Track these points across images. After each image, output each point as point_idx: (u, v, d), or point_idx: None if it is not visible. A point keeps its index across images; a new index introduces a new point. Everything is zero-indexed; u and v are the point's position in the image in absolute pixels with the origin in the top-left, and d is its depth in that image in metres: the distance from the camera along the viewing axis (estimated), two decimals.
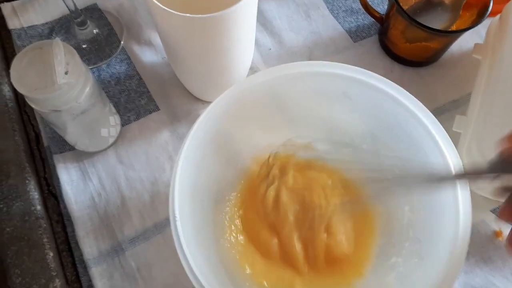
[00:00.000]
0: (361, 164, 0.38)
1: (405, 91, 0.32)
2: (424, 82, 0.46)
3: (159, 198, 0.40)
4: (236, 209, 0.37)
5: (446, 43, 0.44)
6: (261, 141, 0.38)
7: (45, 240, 0.37)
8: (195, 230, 0.31)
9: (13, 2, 0.48)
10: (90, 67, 0.45)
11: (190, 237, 0.29)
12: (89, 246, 0.38)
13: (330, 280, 0.35)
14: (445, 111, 0.45)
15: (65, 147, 0.41)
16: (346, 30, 0.49)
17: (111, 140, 0.41)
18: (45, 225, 0.38)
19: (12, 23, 0.47)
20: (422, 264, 0.31)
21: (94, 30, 0.47)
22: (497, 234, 0.39)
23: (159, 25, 0.35)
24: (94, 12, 0.48)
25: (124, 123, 0.43)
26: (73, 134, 0.37)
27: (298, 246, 0.35)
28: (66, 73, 0.31)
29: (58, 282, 0.36)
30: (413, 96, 0.32)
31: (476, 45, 0.42)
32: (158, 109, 0.44)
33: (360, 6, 0.47)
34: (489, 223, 0.40)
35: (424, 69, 0.47)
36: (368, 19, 0.49)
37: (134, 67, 0.46)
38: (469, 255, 0.28)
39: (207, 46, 0.35)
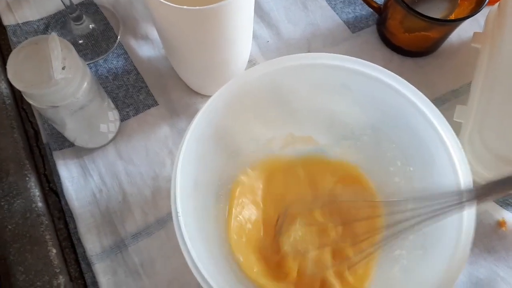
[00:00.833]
0: (363, 157, 0.38)
1: (406, 81, 0.32)
2: (424, 72, 0.46)
3: (160, 193, 0.40)
4: (237, 203, 0.37)
5: (445, 32, 0.44)
6: (261, 134, 0.38)
7: (47, 237, 0.37)
8: (198, 225, 0.31)
9: None
10: (87, 63, 0.45)
11: (192, 232, 0.29)
12: (91, 242, 0.38)
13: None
14: (445, 101, 0.45)
15: (64, 143, 0.41)
16: (344, 21, 0.48)
17: (110, 136, 0.41)
18: (46, 222, 0.38)
19: (7, 19, 0.47)
20: (427, 256, 0.31)
21: (90, 25, 0.46)
22: (500, 224, 0.39)
23: (156, 19, 0.34)
24: (89, 7, 0.48)
25: (123, 118, 0.43)
26: (72, 130, 0.37)
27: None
28: (63, 68, 0.30)
29: (62, 279, 0.36)
30: (414, 87, 0.32)
31: (475, 33, 0.42)
32: (157, 104, 0.44)
33: None
34: (493, 213, 0.40)
35: (423, 59, 0.46)
36: (366, 10, 0.49)
37: (132, 61, 0.45)
38: (473, 246, 0.28)
39: (204, 39, 0.34)
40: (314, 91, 0.36)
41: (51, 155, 0.41)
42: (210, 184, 0.35)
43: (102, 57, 0.45)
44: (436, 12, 0.43)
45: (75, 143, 0.40)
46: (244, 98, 0.34)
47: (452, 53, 0.47)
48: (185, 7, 0.29)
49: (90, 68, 0.44)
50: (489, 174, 0.36)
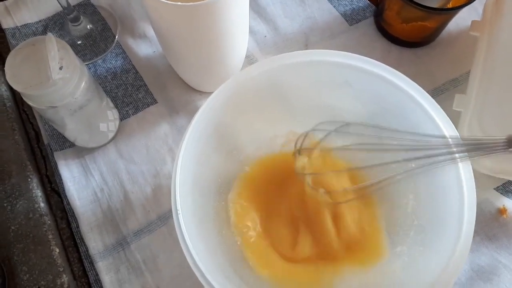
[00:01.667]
0: (365, 154, 0.38)
1: (405, 76, 0.32)
2: (422, 62, 0.46)
3: (161, 190, 0.40)
4: (238, 200, 0.37)
5: (443, 21, 0.43)
6: (262, 132, 0.38)
7: (50, 236, 0.37)
8: (198, 222, 0.31)
9: (5, 1, 0.48)
10: (86, 63, 0.45)
11: (192, 229, 0.29)
12: (94, 241, 0.38)
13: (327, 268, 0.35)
14: (444, 90, 0.44)
15: (65, 144, 0.41)
16: (341, 14, 0.48)
17: (110, 135, 0.41)
18: (49, 222, 0.38)
19: (6, 23, 0.47)
20: (428, 252, 0.31)
21: (88, 26, 0.47)
22: (501, 211, 0.39)
23: (152, 16, 0.35)
24: (87, 8, 0.48)
25: (123, 117, 0.43)
26: (72, 130, 0.37)
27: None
28: (60, 68, 0.31)
29: (65, 278, 0.36)
30: (413, 81, 0.32)
31: (473, 22, 0.42)
32: (156, 102, 0.44)
33: None
34: (493, 201, 0.40)
35: (422, 49, 0.46)
36: (363, 1, 0.49)
37: (130, 61, 0.46)
38: (474, 234, 0.28)
39: (200, 35, 0.34)
40: (314, 88, 0.36)
41: (52, 155, 0.41)
42: (210, 182, 0.35)
43: (100, 57, 0.46)
44: (433, 1, 0.43)
45: (76, 143, 0.40)
46: (244, 96, 0.34)
47: (451, 43, 0.46)
48: (179, 3, 0.30)
49: (89, 68, 0.45)
50: (489, 162, 0.36)
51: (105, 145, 0.42)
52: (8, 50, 0.47)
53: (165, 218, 0.39)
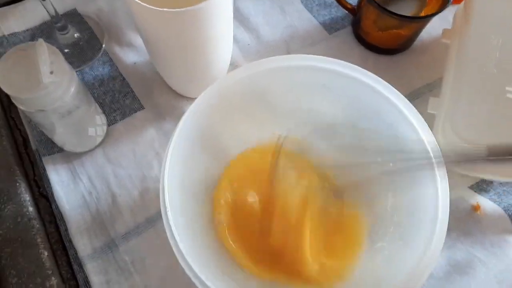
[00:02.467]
0: (345, 156, 0.39)
1: (382, 79, 0.34)
2: (399, 68, 0.48)
3: (149, 194, 0.41)
4: (224, 201, 0.38)
5: (416, 29, 0.46)
6: (246, 135, 0.39)
7: (38, 240, 0.38)
8: (186, 223, 0.31)
9: None
10: None
11: (181, 229, 0.30)
12: (83, 244, 0.38)
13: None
14: (420, 94, 0.47)
15: (53, 149, 0.42)
16: (320, 23, 0.51)
17: (98, 140, 0.42)
18: (38, 225, 0.39)
19: None
20: (406, 246, 0.32)
21: (75, 34, 0.48)
22: (475, 208, 0.41)
23: (138, 22, 0.36)
24: (74, 17, 0.49)
25: (110, 123, 0.44)
26: (61, 134, 0.38)
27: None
28: (51, 72, 0.32)
29: (54, 281, 0.37)
30: (389, 84, 0.34)
31: (444, 30, 0.45)
32: (143, 108, 0.45)
33: None
34: (467, 199, 0.42)
35: (398, 56, 0.49)
36: (341, 11, 0.51)
37: (117, 68, 0.47)
38: (450, 231, 0.30)
39: (186, 41, 0.36)
40: (296, 92, 0.37)
41: (41, 160, 0.42)
42: (197, 183, 0.36)
43: (87, 65, 0.47)
44: (407, 10, 0.45)
45: (64, 148, 0.41)
46: (228, 100, 0.35)
47: (424, 49, 0.49)
48: (165, 9, 0.31)
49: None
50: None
51: (93, 149, 0.42)
52: None
53: (153, 220, 0.40)
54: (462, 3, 0.44)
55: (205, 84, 0.34)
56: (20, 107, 0.33)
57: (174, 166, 0.31)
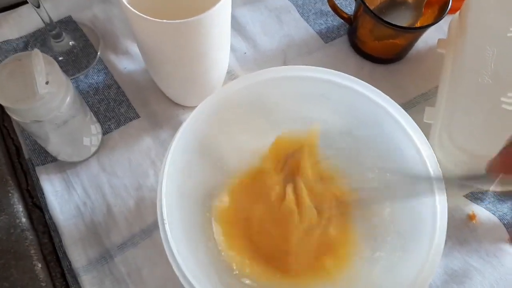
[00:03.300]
0: (343, 165, 0.40)
1: (378, 90, 0.34)
2: (394, 78, 0.48)
3: (144, 203, 0.41)
4: (223, 211, 0.38)
5: (411, 39, 0.46)
6: (245, 144, 0.39)
7: (32, 251, 0.37)
8: (184, 233, 0.31)
9: None
10: None
11: (178, 239, 0.30)
12: (77, 255, 0.38)
13: (317, 275, 0.36)
14: (416, 104, 0.47)
15: (47, 158, 0.41)
16: (317, 32, 0.51)
17: (93, 149, 0.41)
18: (31, 237, 0.38)
19: None
20: (405, 256, 0.32)
21: (70, 42, 0.47)
22: (471, 217, 0.41)
23: (136, 32, 0.36)
24: (69, 25, 0.49)
25: (105, 131, 0.43)
26: (55, 144, 0.37)
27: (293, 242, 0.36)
28: (47, 83, 0.31)
29: None
30: (386, 95, 0.34)
31: (439, 40, 0.45)
32: (139, 117, 0.45)
33: (329, 8, 0.49)
34: (463, 208, 0.42)
35: (393, 65, 0.49)
36: (337, 20, 0.51)
37: (112, 76, 0.46)
38: (446, 239, 0.30)
39: (183, 52, 0.36)
40: (295, 102, 0.37)
41: (34, 170, 0.41)
42: (196, 194, 0.36)
43: (82, 73, 0.46)
44: (403, 20, 0.46)
45: (58, 158, 0.41)
46: (227, 110, 0.35)
47: (420, 59, 0.49)
48: (164, 20, 0.31)
49: None
50: (458, 170, 0.38)
51: (87, 159, 0.42)
52: None
53: (149, 230, 0.39)
54: (457, 13, 0.45)
55: (202, 93, 0.34)
56: (15, 117, 0.32)
57: (171, 177, 0.31)
